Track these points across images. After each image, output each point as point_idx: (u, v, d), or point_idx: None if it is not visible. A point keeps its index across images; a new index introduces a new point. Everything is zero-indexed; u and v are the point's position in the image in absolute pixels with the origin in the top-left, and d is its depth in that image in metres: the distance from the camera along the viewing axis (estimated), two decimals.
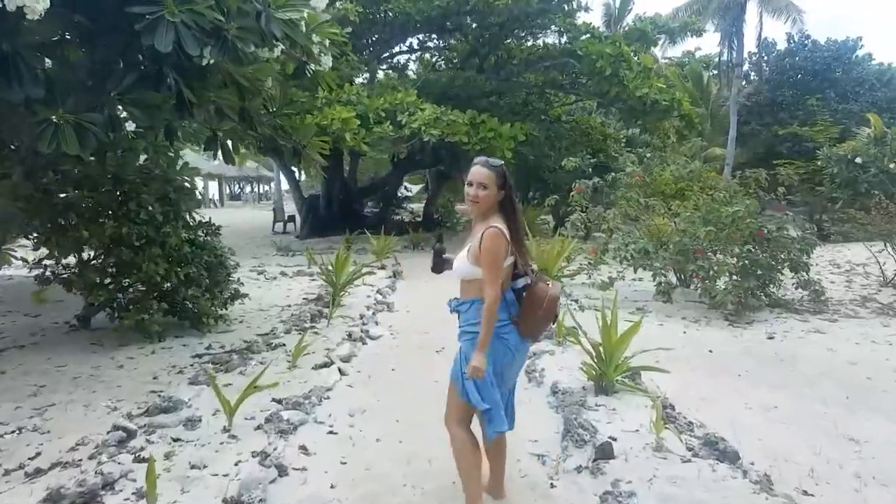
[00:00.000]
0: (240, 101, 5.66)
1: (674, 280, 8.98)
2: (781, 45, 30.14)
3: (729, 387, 5.34)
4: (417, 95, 12.75)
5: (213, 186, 41.38)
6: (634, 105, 13.45)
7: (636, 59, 12.82)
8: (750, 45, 31.61)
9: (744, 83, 28.34)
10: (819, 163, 18.52)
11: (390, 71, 21.50)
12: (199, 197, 34.12)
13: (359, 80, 15.77)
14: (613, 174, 10.74)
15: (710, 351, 6.45)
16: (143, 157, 6.75)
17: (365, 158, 28.91)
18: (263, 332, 7.03)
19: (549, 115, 17.47)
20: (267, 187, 49.55)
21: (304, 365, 5.65)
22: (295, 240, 18.55)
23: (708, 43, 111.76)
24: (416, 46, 21.71)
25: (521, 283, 2.92)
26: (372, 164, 31.48)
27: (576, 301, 8.70)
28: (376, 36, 16.95)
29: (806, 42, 28.81)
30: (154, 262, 6.02)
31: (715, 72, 28.82)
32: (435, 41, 21.24)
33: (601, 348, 4.75)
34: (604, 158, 19.54)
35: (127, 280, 6.32)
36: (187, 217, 7.11)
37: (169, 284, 6.50)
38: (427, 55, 22.07)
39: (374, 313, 7.94)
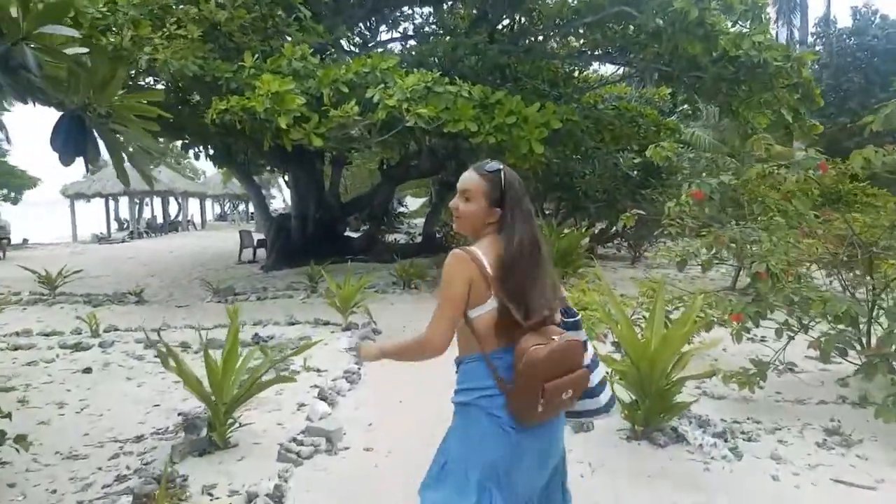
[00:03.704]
0: None
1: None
2: (843, 24, 25.79)
3: None
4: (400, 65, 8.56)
5: (195, 205, 37.43)
6: (721, 72, 9.11)
7: None
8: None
9: None
10: None
11: None
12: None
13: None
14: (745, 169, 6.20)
15: None
16: None
17: (355, 168, 24.83)
18: None
19: (582, 101, 13.15)
20: None
21: None
22: (258, 273, 14.31)
23: None
24: (410, 31, 17.56)
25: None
26: (367, 174, 27.32)
27: (703, 428, 4.40)
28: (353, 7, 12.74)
29: (873, 18, 24.44)
30: None
31: None
32: (432, 24, 17.04)
33: None
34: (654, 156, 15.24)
35: None
36: None
37: None
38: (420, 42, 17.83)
39: (286, 477, 3.67)
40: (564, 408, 2.06)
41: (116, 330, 7.62)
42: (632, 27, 10.49)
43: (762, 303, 4.67)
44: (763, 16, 8.56)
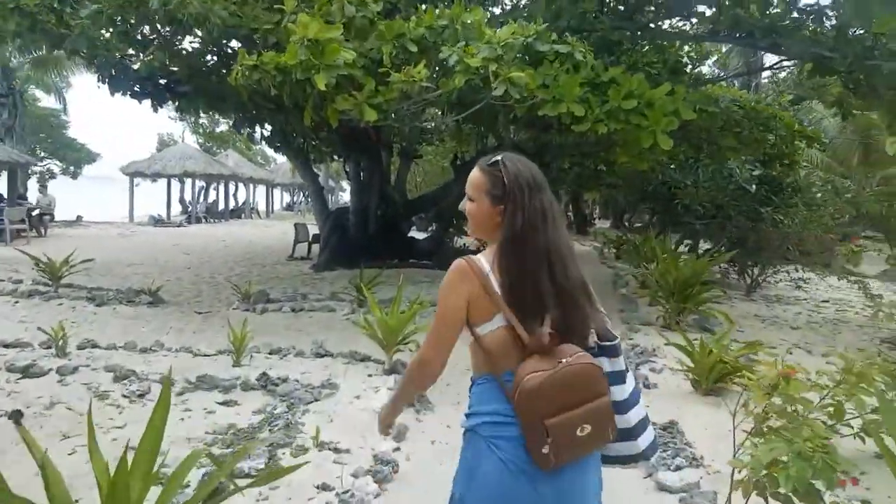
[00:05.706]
0: None
1: None
2: None
3: None
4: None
5: (263, 193, 36.51)
6: None
7: None
8: None
9: None
10: None
11: None
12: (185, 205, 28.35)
13: None
14: None
15: None
16: None
17: (427, 163, 22.95)
18: None
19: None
20: (330, 197, 44.28)
21: None
22: (307, 272, 12.59)
23: None
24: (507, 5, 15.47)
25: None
26: (440, 171, 25.39)
27: None
28: None
29: None
30: None
31: None
32: None
33: None
34: (779, 169, 12.71)
35: None
36: None
37: None
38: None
39: None
40: (587, 448, 1.63)
41: (94, 347, 5.86)
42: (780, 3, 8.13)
43: None
44: None
